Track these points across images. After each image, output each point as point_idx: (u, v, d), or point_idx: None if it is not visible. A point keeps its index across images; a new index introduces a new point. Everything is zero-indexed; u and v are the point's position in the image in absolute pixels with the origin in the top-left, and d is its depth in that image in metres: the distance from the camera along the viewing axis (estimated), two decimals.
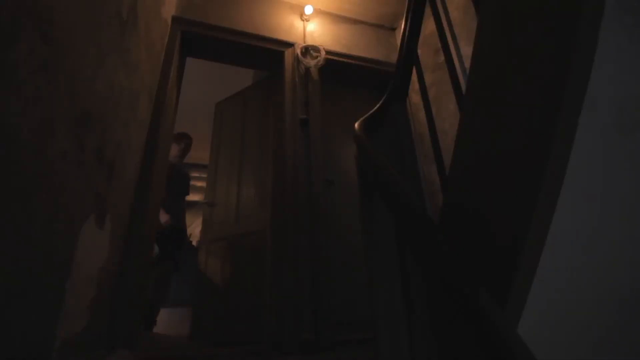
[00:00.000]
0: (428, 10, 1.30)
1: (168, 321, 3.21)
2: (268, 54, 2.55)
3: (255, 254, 2.30)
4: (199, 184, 5.59)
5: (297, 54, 2.52)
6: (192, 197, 3.87)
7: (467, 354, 0.53)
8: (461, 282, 0.46)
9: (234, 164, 2.74)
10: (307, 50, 2.54)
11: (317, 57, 2.52)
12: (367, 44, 2.89)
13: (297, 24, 2.69)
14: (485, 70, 0.76)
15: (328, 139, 2.51)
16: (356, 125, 1.12)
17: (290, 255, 1.98)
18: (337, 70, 2.70)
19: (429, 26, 2.27)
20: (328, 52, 2.59)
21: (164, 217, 2.64)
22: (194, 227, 6.45)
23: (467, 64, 1.15)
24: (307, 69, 2.51)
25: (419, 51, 1.45)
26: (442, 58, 1.51)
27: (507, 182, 0.61)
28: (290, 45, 2.57)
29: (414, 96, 2.51)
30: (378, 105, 1.36)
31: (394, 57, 2.49)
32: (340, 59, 2.69)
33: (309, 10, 2.68)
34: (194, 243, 6.10)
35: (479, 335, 0.40)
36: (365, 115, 1.26)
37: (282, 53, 2.54)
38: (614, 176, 0.57)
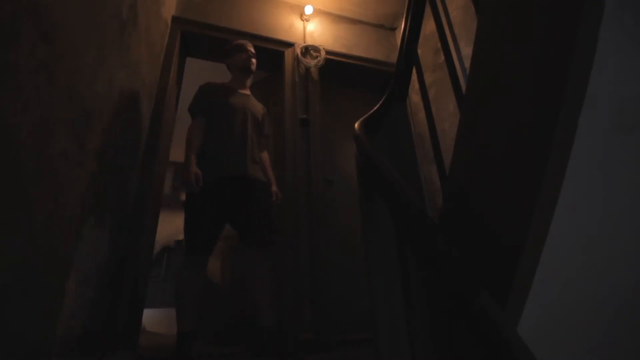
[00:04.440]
0: (428, 10, 1.29)
1: (167, 320, 3.20)
2: (268, 54, 2.55)
3: None
4: None
5: (297, 54, 2.52)
6: None
7: (467, 354, 0.53)
8: (461, 282, 0.46)
9: None
10: (307, 50, 2.54)
11: (317, 57, 2.52)
12: (367, 44, 2.89)
13: (297, 24, 2.69)
14: (485, 70, 0.76)
15: (328, 139, 2.51)
16: (356, 125, 1.12)
17: (290, 255, 1.98)
18: (337, 70, 2.70)
19: (429, 26, 2.27)
20: (328, 52, 2.59)
21: (188, 172, 1.49)
22: None
23: (467, 64, 1.15)
24: (307, 69, 2.51)
25: (419, 51, 1.45)
26: (442, 58, 1.51)
27: (507, 182, 0.61)
28: (290, 45, 2.57)
29: (414, 96, 2.51)
30: (378, 106, 1.36)
31: (394, 57, 2.49)
32: (340, 59, 2.69)
33: (309, 10, 2.68)
34: None
35: (479, 335, 0.40)
36: (365, 116, 1.26)
37: (282, 53, 2.54)
38: (614, 176, 0.57)
